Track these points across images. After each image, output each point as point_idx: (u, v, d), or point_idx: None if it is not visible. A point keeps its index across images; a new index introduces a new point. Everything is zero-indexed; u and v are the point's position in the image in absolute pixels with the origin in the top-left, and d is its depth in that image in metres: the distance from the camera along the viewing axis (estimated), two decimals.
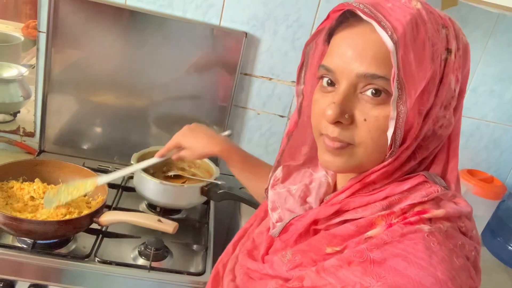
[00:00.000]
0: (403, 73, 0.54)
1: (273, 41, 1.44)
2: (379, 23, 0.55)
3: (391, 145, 0.58)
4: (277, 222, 0.71)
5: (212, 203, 1.46)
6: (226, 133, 1.17)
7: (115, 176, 1.16)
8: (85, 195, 1.21)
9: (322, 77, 0.62)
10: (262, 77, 1.49)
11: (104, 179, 1.16)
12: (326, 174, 0.75)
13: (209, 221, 1.37)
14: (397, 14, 0.56)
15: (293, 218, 0.67)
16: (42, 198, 1.15)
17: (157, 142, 1.55)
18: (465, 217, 0.59)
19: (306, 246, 0.63)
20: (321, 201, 0.72)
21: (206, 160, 1.44)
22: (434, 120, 0.60)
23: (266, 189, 0.78)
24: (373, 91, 0.57)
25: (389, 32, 0.54)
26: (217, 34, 1.42)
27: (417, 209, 0.57)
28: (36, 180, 1.22)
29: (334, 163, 0.61)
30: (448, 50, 0.58)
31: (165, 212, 1.35)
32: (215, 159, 1.53)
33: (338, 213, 0.61)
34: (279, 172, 0.78)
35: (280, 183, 0.77)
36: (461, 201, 0.60)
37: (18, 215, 1.07)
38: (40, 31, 1.38)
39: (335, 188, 0.74)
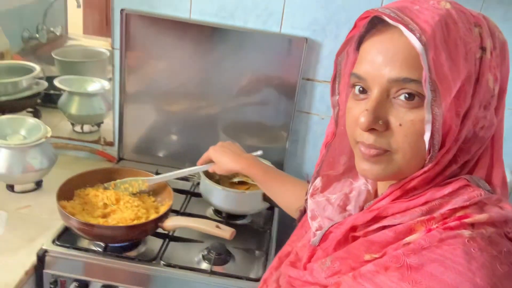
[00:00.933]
0: (436, 75, 0.53)
1: (334, 45, 1.42)
2: (406, 26, 0.54)
3: (429, 149, 0.56)
4: (317, 230, 0.71)
5: (276, 209, 1.47)
6: (258, 153, 1.22)
7: (162, 178, 1.28)
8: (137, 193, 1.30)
9: (354, 85, 0.62)
10: (325, 81, 1.47)
11: (153, 179, 1.29)
12: (366, 181, 0.74)
13: (272, 227, 1.39)
14: (425, 16, 0.55)
15: (332, 226, 0.67)
16: (114, 204, 1.24)
17: None
18: None
19: (344, 253, 0.62)
20: (361, 209, 0.71)
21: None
22: (473, 121, 0.58)
23: (306, 200, 0.79)
24: (406, 95, 0.56)
25: (418, 35, 0.53)
26: (278, 42, 1.44)
27: (458, 214, 0.55)
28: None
29: (372, 171, 0.61)
30: (483, 49, 0.57)
31: (230, 217, 1.39)
32: (280, 166, 1.55)
33: (376, 219, 0.61)
34: (318, 182, 0.78)
35: (320, 193, 0.77)
36: (508, 206, 0.57)
37: (91, 220, 1.16)
38: (114, 48, 1.49)
39: (376, 195, 0.73)
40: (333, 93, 0.70)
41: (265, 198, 1.33)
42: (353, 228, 0.63)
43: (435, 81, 0.53)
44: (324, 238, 0.68)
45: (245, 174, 1.12)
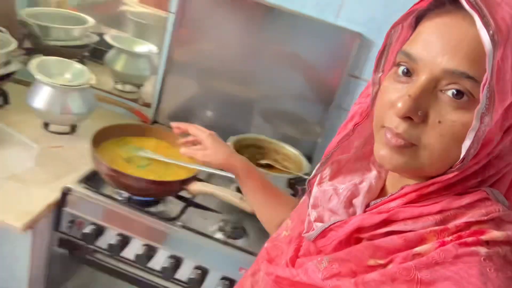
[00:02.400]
0: (496, 81, 0.47)
1: None
2: (481, 17, 0.48)
3: (463, 157, 0.51)
4: (315, 221, 0.65)
5: (298, 197, 1.47)
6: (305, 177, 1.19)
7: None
8: None
9: (399, 64, 0.55)
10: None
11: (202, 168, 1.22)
12: (379, 175, 0.67)
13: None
14: (505, 12, 0.49)
15: (333, 224, 0.61)
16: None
17: (257, 131, 1.60)
18: None
19: (346, 255, 0.57)
20: (367, 206, 0.65)
21: (299, 155, 1.45)
22: None
23: (310, 182, 0.70)
24: (455, 91, 0.50)
25: (491, 32, 0.47)
26: (332, 32, 1.43)
27: (474, 228, 0.51)
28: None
29: (392, 160, 0.55)
30: None
31: None
32: (308, 159, 1.54)
33: (385, 222, 0.56)
34: (327, 170, 0.70)
35: (328, 181, 0.69)
36: None
37: (120, 168, 1.18)
38: (170, 12, 1.51)
39: (381, 192, 0.67)
40: (376, 69, 0.62)
41: (290, 185, 1.33)
42: (358, 230, 0.58)
43: (494, 87, 0.48)
44: (322, 234, 0.62)
45: (241, 175, 1.01)
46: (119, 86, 1.74)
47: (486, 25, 0.48)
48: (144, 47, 1.73)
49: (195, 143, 1.11)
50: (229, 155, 1.03)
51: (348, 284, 0.54)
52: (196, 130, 1.10)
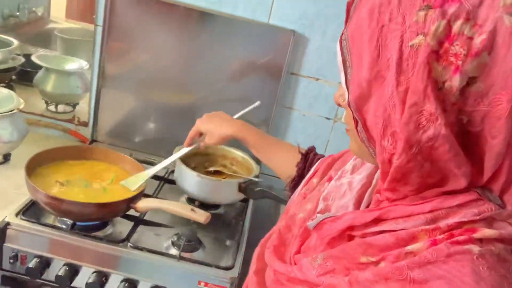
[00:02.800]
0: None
1: (322, 41, 1.42)
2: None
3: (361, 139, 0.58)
4: (319, 212, 0.67)
5: (250, 202, 1.45)
6: (256, 104, 1.17)
7: (160, 167, 1.23)
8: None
9: None
10: (309, 77, 1.47)
11: (153, 170, 1.22)
12: None
13: (245, 219, 1.36)
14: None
15: (327, 218, 0.62)
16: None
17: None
18: None
19: (339, 252, 0.58)
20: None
21: (248, 158, 1.44)
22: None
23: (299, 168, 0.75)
24: None
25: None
26: (265, 32, 1.42)
27: (466, 227, 0.51)
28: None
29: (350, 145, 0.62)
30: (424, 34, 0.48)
31: (204, 206, 1.35)
32: (258, 159, 1.53)
33: (376, 221, 0.56)
34: (350, 165, 0.73)
35: (349, 175, 0.71)
36: None
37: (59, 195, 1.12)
38: (97, 25, 1.45)
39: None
40: None
41: (241, 189, 1.31)
42: (351, 227, 0.59)
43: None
44: (319, 226, 0.63)
45: (239, 137, 1.07)
46: (52, 108, 1.66)
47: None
48: (74, 64, 1.67)
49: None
50: (221, 128, 1.08)
51: (342, 282, 0.54)
52: (192, 130, 1.17)
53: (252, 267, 0.74)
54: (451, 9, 0.46)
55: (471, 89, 0.47)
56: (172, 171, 1.46)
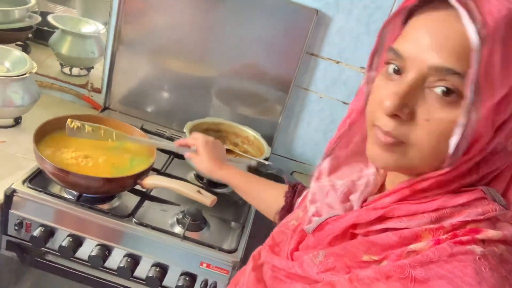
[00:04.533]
0: (483, 76, 0.47)
1: (346, 22, 1.36)
2: (468, 12, 0.48)
3: (453, 153, 0.51)
4: (313, 216, 0.66)
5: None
6: (266, 162, 1.16)
7: (135, 140, 1.21)
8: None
9: (389, 63, 0.55)
10: (330, 59, 1.42)
11: (127, 138, 1.19)
12: (377, 172, 0.68)
13: None
14: (492, 6, 0.48)
15: (330, 217, 0.62)
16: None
17: (216, 113, 1.54)
18: None
19: (341, 250, 0.58)
20: (364, 201, 0.66)
21: (260, 139, 1.41)
22: (508, 134, 0.53)
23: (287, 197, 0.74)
24: (444, 89, 0.49)
25: (478, 26, 0.47)
26: (287, 9, 1.37)
27: (469, 227, 0.51)
28: None
29: (382, 157, 0.55)
30: None
31: (211, 184, 1.35)
32: (269, 139, 1.50)
33: (380, 219, 0.56)
34: (325, 164, 0.71)
35: (326, 176, 0.70)
36: None
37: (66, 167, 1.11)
38: None
39: (381, 188, 0.68)
40: (370, 68, 0.62)
41: (250, 169, 1.29)
42: (354, 225, 0.59)
43: (479, 83, 0.47)
44: (319, 227, 0.62)
45: (225, 182, 1.08)
46: (66, 70, 1.64)
47: (473, 19, 0.47)
48: (90, 26, 1.62)
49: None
50: (212, 166, 1.07)
51: (342, 280, 0.54)
52: (192, 140, 1.13)
53: (249, 264, 0.73)
54: None
55: None
56: None
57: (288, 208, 0.94)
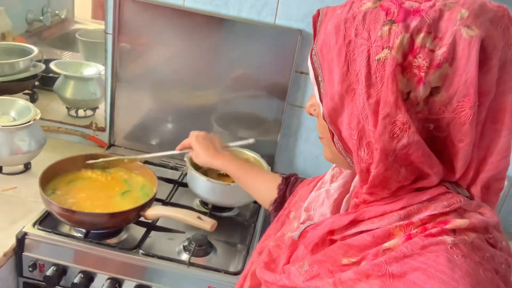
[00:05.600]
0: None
1: None
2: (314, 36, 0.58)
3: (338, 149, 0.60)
4: (301, 223, 0.69)
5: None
6: (250, 141, 1.18)
7: (144, 158, 1.32)
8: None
9: None
10: None
11: (131, 158, 1.32)
12: None
13: (256, 222, 1.37)
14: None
15: (309, 226, 0.65)
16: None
17: None
18: (492, 228, 0.54)
19: (322, 257, 0.60)
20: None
21: (260, 160, 1.44)
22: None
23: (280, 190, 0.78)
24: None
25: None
26: (273, 32, 1.41)
27: (438, 220, 0.53)
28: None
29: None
30: (389, 48, 0.50)
31: (216, 209, 1.38)
32: (271, 159, 1.53)
33: (353, 223, 0.58)
34: (328, 176, 0.75)
35: (329, 184, 0.74)
36: (487, 211, 0.54)
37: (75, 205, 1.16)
38: (107, 33, 1.48)
39: None
40: None
41: None
42: (331, 232, 0.61)
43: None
44: (302, 235, 0.66)
45: (221, 170, 1.11)
46: (73, 112, 1.71)
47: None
48: (91, 69, 1.70)
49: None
50: (207, 157, 1.09)
51: (327, 284, 0.56)
52: (185, 141, 1.18)
53: (246, 284, 0.75)
54: (413, 23, 0.49)
55: (435, 98, 0.50)
56: (186, 174, 1.48)
57: (280, 201, 0.96)
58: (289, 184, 0.97)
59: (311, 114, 0.65)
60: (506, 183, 1.45)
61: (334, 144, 0.58)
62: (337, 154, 0.59)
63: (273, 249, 0.74)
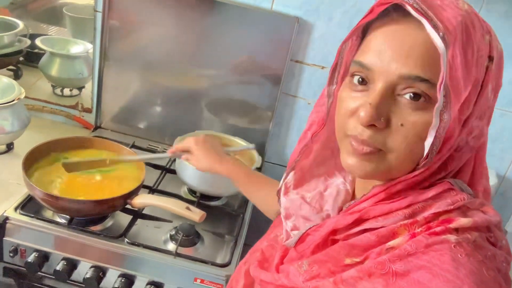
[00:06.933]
0: (450, 79, 0.50)
1: (327, 27, 1.35)
2: (430, 21, 0.50)
3: (427, 154, 0.54)
4: (292, 230, 0.67)
5: None
6: (251, 146, 1.14)
7: (128, 160, 1.24)
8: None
9: (353, 75, 0.57)
10: (314, 65, 1.41)
11: (120, 159, 1.22)
12: (344, 181, 0.70)
13: (245, 212, 1.35)
14: (448, 14, 0.51)
15: (310, 228, 0.64)
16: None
17: (208, 126, 1.55)
18: (494, 227, 0.55)
19: (323, 257, 0.59)
20: (340, 210, 0.68)
21: (252, 150, 1.41)
22: (469, 130, 0.56)
23: (278, 191, 0.74)
24: (412, 94, 0.53)
25: (441, 33, 0.50)
26: (269, 18, 1.37)
27: (442, 218, 0.53)
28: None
29: (361, 167, 0.57)
30: (490, 58, 0.55)
31: (204, 197, 1.35)
32: (262, 148, 1.51)
33: (357, 222, 0.58)
34: (290, 178, 0.73)
35: (292, 189, 0.72)
36: (490, 210, 0.55)
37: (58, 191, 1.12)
38: (96, 11, 1.42)
39: (353, 195, 0.69)
40: (330, 82, 0.64)
41: None
42: (333, 232, 0.60)
43: (448, 86, 0.50)
44: (300, 240, 0.64)
45: (226, 176, 1.06)
46: (58, 91, 1.65)
47: (435, 28, 0.50)
48: (79, 47, 1.64)
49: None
50: (211, 163, 1.06)
51: (327, 283, 0.55)
52: (183, 145, 1.12)
53: (240, 283, 0.74)
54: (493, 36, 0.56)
55: None
56: (174, 161, 1.45)
57: None
58: None
59: (371, 125, 0.54)
60: (496, 181, 1.46)
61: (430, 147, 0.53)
62: (395, 164, 0.55)
63: (266, 248, 0.74)
